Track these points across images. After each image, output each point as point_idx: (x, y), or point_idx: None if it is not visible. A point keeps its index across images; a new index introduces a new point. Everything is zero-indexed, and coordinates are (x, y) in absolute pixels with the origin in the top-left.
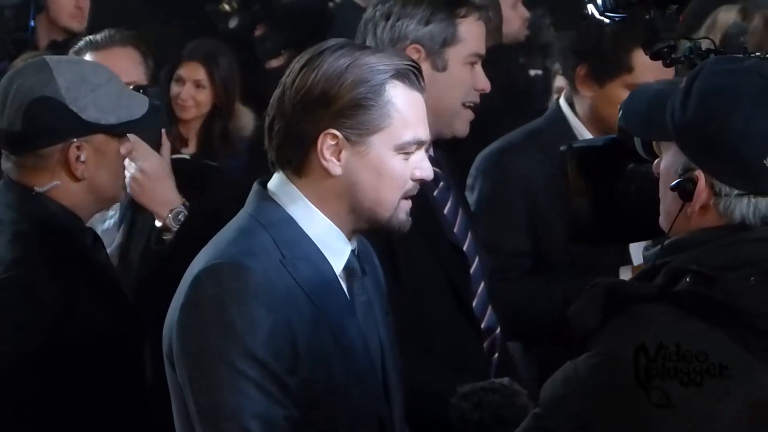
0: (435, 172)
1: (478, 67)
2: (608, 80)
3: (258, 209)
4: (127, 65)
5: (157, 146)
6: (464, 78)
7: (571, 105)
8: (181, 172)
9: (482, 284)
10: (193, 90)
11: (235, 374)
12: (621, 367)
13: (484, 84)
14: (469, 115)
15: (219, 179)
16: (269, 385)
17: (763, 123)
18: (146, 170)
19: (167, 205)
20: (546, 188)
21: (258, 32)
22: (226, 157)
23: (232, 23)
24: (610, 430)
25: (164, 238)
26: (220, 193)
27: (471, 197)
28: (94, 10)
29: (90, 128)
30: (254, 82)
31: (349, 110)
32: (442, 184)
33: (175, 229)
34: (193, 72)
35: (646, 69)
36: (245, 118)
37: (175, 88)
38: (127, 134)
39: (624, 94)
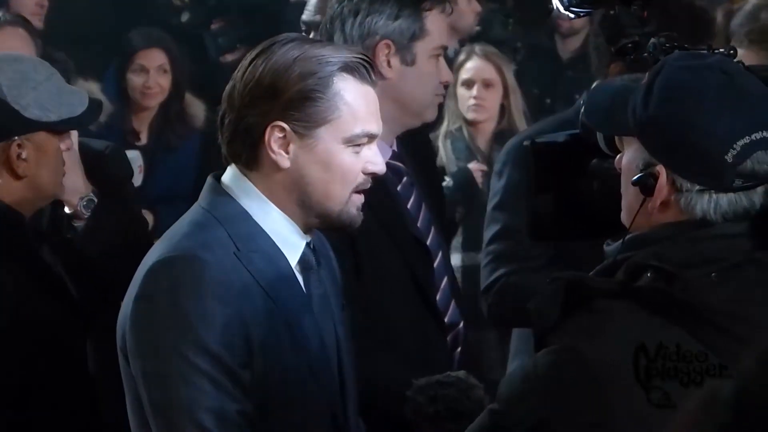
0: (398, 167)
1: (442, 60)
2: None
3: (212, 203)
4: (19, 44)
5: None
6: (431, 71)
7: None
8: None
9: (446, 279)
10: (159, 76)
11: (188, 367)
12: (580, 362)
13: (448, 76)
14: (438, 102)
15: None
16: (222, 379)
17: (725, 120)
18: None
19: (77, 193)
20: None
21: (213, 27)
22: (179, 145)
23: (184, 17)
24: (568, 427)
25: (75, 225)
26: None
27: (498, 184)
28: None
29: (32, 126)
30: (204, 77)
31: (297, 102)
32: (405, 179)
33: (86, 216)
34: (155, 59)
35: None
36: (196, 107)
37: (136, 79)
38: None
39: None
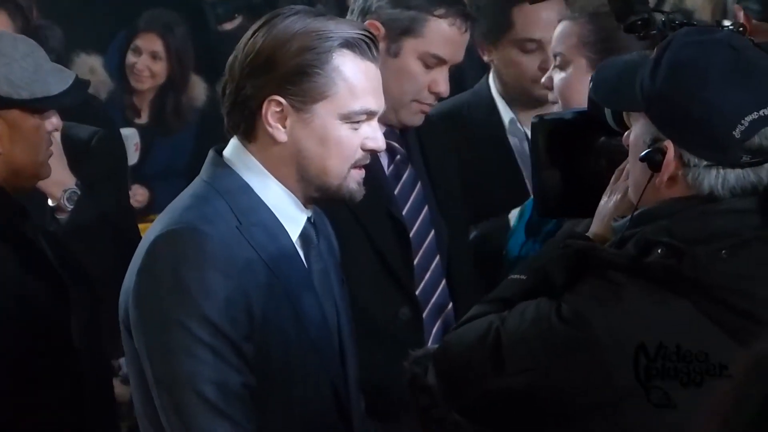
0: (393, 146)
1: (439, 71)
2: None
3: (213, 176)
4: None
5: None
6: (415, 72)
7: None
8: (72, 138)
9: (437, 259)
10: (149, 61)
11: (191, 340)
12: (589, 333)
13: (440, 88)
14: (419, 109)
15: (109, 147)
16: (225, 351)
17: (732, 94)
18: None
19: (60, 185)
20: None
21: None
22: (177, 129)
23: None
24: (564, 384)
25: (58, 218)
26: (109, 163)
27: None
28: None
29: (2, 103)
30: (206, 50)
31: (294, 77)
32: (398, 157)
33: (70, 209)
34: (150, 43)
35: (528, 22)
36: (198, 89)
37: (131, 58)
38: (53, 111)
39: (515, 54)
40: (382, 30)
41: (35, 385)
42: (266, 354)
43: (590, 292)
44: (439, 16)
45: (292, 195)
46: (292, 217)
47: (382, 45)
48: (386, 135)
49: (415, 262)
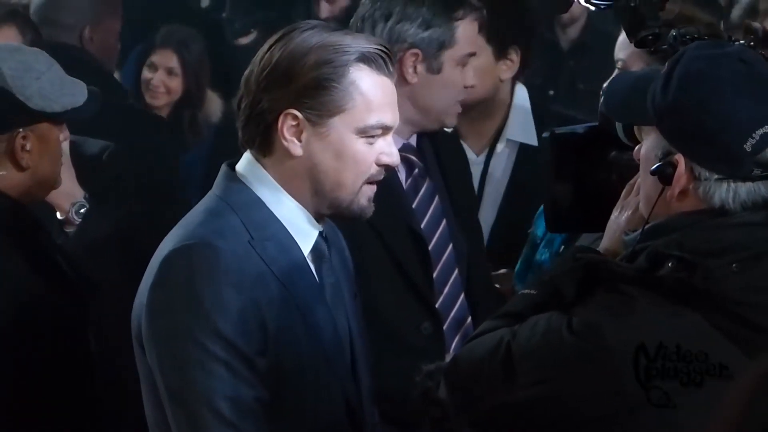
0: (408, 159)
1: (469, 65)
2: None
3: (226, 191)
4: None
5: None
6: (456, 79)
7: None
8: (83, 152)
9: (456, 272)
10: (165, 77)
11: (204, 355)
12: (601, 345)
13: (472, 81)
14: (458, 109)
15: (121, 161)
16: (239, 366)
17: (743, 108)
18: None
19: (69, 198)
20: None
21: (226, 13)
22: (193, 145)
23: (204, 2)
24: (571, 397)
25: (66, 231)
26: (122, 175)
27: None
28: None
29: (36, 117)
30: (223, 65)
31: (310, 90)
32: (416, 171)
33: (78, 223)
34: (165, 59)
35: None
36: (213, 105)
37: (147, 74)
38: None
39: None
40: (421, 54)
41: (47, 398)
42: (279, 367)
43: (601, 305)
44: (462, 18)
45: (305, 209)
46: (304, 231)
47: (422, 66)
48: (403, 149)
49: (434, 275)
